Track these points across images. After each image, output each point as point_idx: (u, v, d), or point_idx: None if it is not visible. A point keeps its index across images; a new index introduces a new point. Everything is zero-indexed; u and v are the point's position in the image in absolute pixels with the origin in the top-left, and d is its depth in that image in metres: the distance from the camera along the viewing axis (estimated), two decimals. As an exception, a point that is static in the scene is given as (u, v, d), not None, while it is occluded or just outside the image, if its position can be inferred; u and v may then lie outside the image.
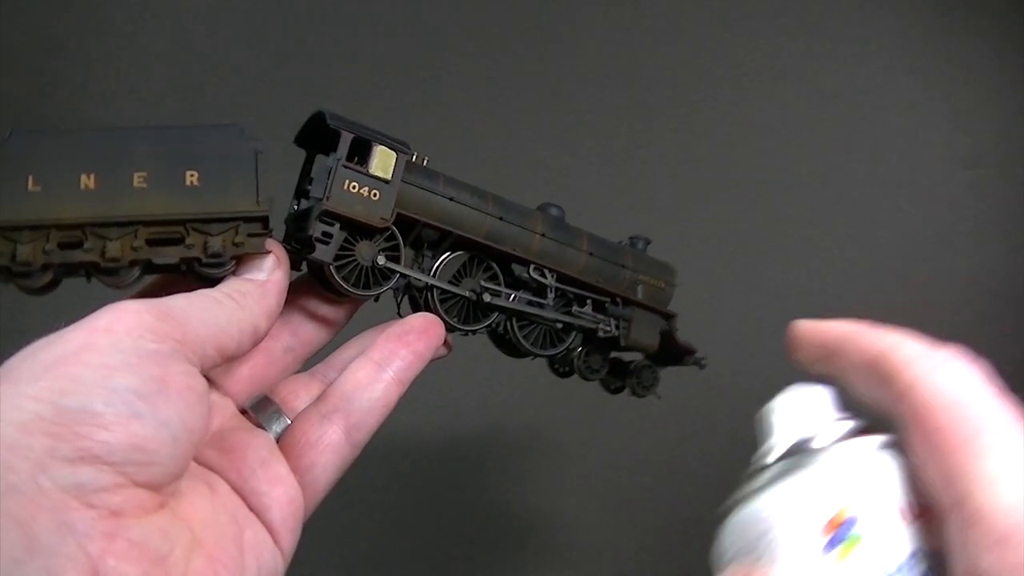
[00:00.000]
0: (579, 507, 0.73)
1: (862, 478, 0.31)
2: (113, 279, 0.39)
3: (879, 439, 0.32)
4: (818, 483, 0.31)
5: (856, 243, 0.81)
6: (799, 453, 0.33)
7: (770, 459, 0.34)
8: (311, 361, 0.46)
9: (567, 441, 0.75)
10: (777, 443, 0.34)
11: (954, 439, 0.28)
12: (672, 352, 0.52)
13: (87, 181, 0.38)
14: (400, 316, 0.46)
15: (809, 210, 0.81)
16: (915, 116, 0.84)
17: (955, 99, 0.85)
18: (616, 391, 0.53)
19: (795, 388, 0.35)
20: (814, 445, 0.33)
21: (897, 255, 0.82)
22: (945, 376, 0.30)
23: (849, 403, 0.35)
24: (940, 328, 0.79)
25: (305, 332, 0.45)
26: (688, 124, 0.82)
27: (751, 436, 0.41)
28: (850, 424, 0.33)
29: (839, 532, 0.30)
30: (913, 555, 0.29)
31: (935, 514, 0.29)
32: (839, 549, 0.30)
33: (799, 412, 0.35)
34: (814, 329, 0.37)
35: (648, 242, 0.53)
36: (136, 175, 0.39)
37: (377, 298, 0.45)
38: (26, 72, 0.83)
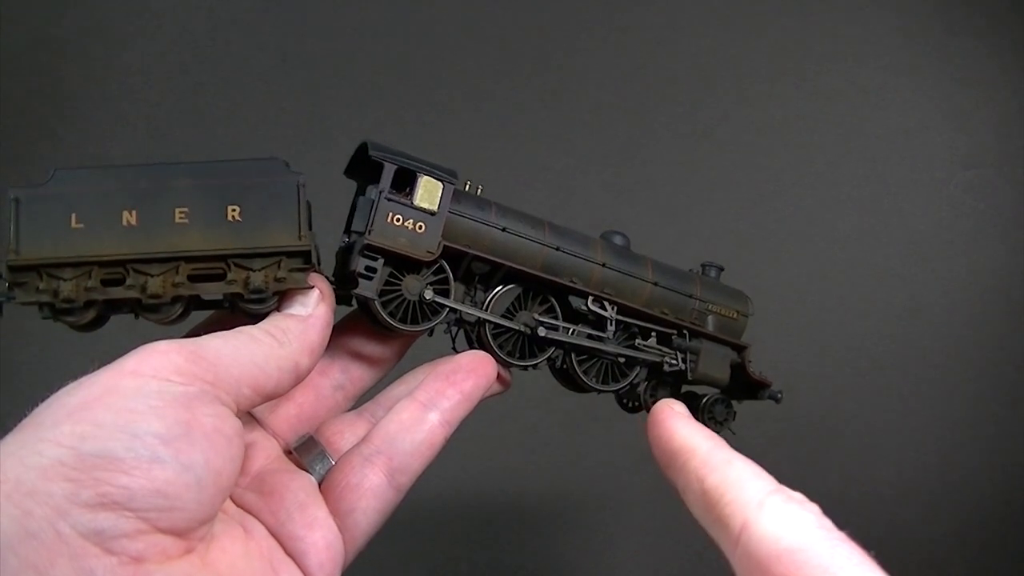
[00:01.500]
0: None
1: None
2: (157, 315, 0.39)
3: None
4: None
5: (856, 243, 0.81)
6: None
7: None
8: (365, 397, 0.46)
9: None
10: None
11: None
12: (746, 385, 0.50)
13: (129, 217, 0.38)
14: (455, 351, 0.45)
15: (809, 210, 0.82)
16: (915, 116, 0.85)
17: (955, 99, 0.86)
18: None
19: None
20: None
21: (897, 255, 0.82)
22: (780, 521, 0.30)
23: None
24: (940, 328, 0.79)
25: (356, 369, 0.45)
26: (688, 124, 0.83)
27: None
28: None
29: None
30: None
31: None
32: None
33: None
34: (662, 433, 0.37)
35: (721, 269, 0.51)
36: (178, 211, 0.39)
37: (431, 332, 0.44)
38: (26, 72, 0.85)
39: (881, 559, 0.66)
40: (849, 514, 0.64)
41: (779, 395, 0.51)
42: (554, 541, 0.72)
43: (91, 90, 0.86)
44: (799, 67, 0.85)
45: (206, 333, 0.36)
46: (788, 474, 0.65)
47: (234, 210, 0.39)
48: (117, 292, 0.38)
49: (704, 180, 0.80)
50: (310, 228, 0.40)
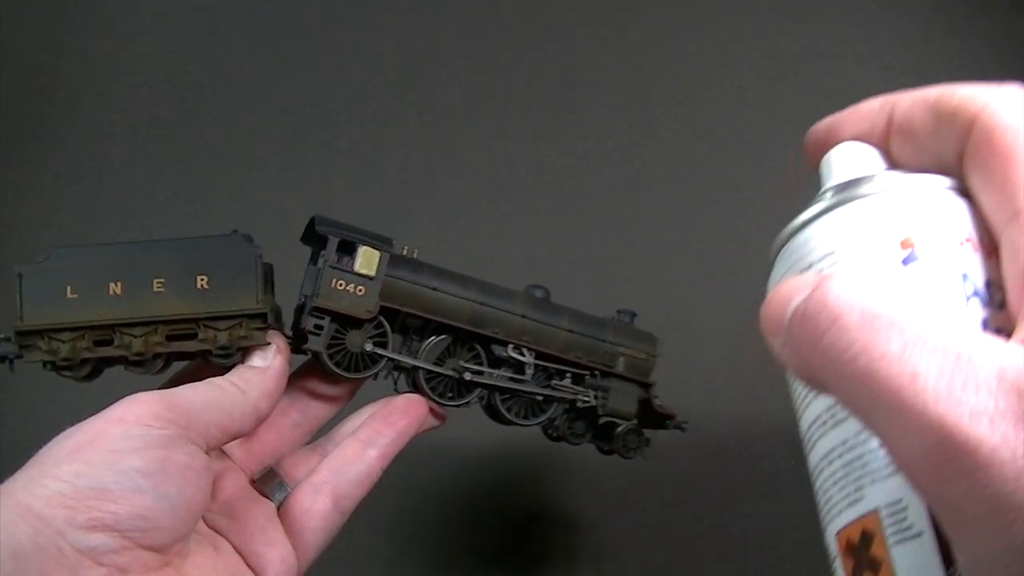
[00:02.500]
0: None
1: (929, 207, 0.32)
2: (141, 369, 0.48)
3: (943, 179, 0.32)
4: (890, 205, 0.32)
5: None
6: (861, 185, 0.33)
7: (827, 196, 0.34)
8: (322, 431, 0.54)
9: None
10: (833, 182, 0.35)
11: (1017, 158, 0.29)
12: (654, 417, 0.58)
13: (115, 288, 0.47)
14: (396, 392, 0.53)
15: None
16: None
17: None
18: (607, 453, 0.59)
19: (850, 143, 0.36)
20: (875, 179, 0.33)
21: None
22: (1011, 105, 0.30)
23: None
24: None
25: (312, 409, 0.53)
26: (687, 124, 0.84)
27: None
28: (907, 171, 0.33)
29: (912, 253, 0.31)
30: (978, 284, 0.30)
31: (995, 248, 0.30)
32: (914, 266, 0.31)
33: (857, 158, 0.36)
34: (847, 115, 0.38)
35: (634, 315, 0.59)
36: (155, 281, 0.47)
37: (375, 377, 0.52)
38: (26, 72, 0.87)
39: None
40: None
41: (685, 425, 0.59)
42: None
43: (91, 90, 0.87)
44: (799, 67, 0.85)
45: (184, 381, 0.45)
46: (789, 474, 0.69)
47: (203, 279, 0.47)
48: (106, 351, 0.47)
49: (704, 180, 0.82)
50: (268, 292, 0.49)
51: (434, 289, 0.52)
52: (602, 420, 0.57)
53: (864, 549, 0.30)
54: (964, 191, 0.32)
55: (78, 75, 0.88)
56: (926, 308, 0.27)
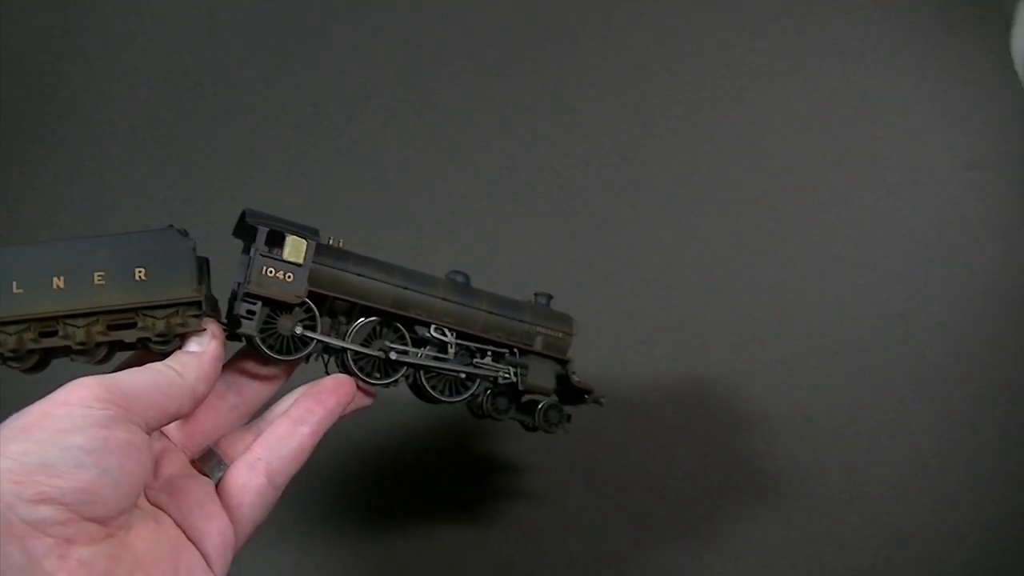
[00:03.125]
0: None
1: None
2: (86, 358, 0.52)
3: None
4: None
5: (856, 243, 0.83)
6: None
7: None
8: (261, 411, 0.58)
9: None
10: None
11: None
12: (572, 392, 0.63)
13: (58, 282, 0.50)
14: (327, 373, 0.57)
15: (809, 210, 0.83)
16: (915, 116, 0.86)
17: (955, 99, 0.87)
18: (531, 429, 0.63)
19: None
20: None
21: (897, 255, 0.84)
22: None
23: None
24: (940, 328, 0.81)
25: (248, 392, 0.57)
26: (687, 124, 0.85)
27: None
28: None
29: None
30: None
31: None
32: None
33: None
34: None
35: (550, 297, 0.64)
36: (96, 274, 0.51)
37: (307, 360, 0.57)
38: (26, 72, 0.89)
39: (882, 559, 0.71)
40: (849, 514, 0.73)
41: (602, 399, 0.63)
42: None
43: (91, 90, 0.88)
44: (799, 67, 0.87)
45: (128, 368, 0.49)
46: (789, 474, 0.73)
47: (141, 271, 0.51)
48: (51, 342, 0.50)
49: (703, 180, 0.83)
50: (203, 283, 0.53)
51: (359, 275, 0.56)
52: (525, 398, 0.62)
53: None
54: None
55: (78, 75, 0.89)
56: None
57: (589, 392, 0.63)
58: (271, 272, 0.53)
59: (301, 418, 0.54)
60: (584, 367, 0.69)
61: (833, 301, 0.80)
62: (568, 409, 0.63)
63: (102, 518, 0.42)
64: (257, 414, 0.58)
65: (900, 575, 0.70)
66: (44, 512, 0.40)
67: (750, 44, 0.88)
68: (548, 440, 0.65)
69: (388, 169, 0.85)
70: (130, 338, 0.51)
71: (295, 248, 0.54)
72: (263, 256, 0.53)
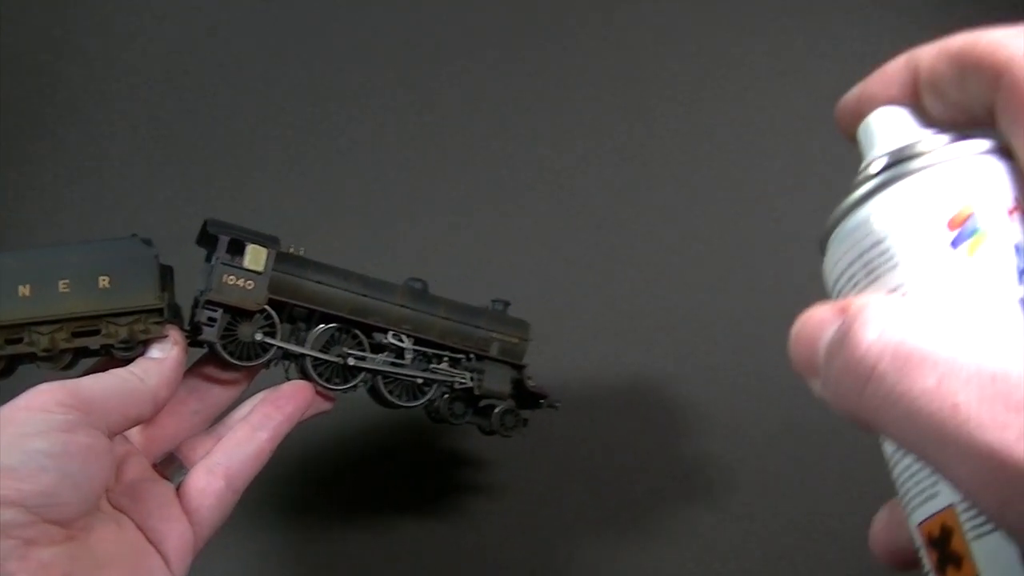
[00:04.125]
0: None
1: (977, 176, 0.31)
2: (51, 364, 0.54)
3: (984, 142, 0.32)
4: (935, 181, 0.32)
5: None
6: (906, 159, 0.33)
7: (873, 168, 0.34)
8: (222, 417, 0.60)
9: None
10: (879, 152, 0.35)
11: None
12: (527, 397, 0.65)
13: (24, 290, 0.52)
14: (288, 379, 0.60)
15: (809, 210, 0.79)
16: None
17: None
18: (488, 433, 0.65)
19: (884, 108, 0.36)
20: (920, 150, 0.33)
21: None
22: None
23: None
24: None
25: (210, 398, 0.59)
26: (687, 124, 0.86)
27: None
28: (948, 135, 0.33)
29: (964, 228, 0.31)
30: None
31: None
32: (967, 244, 0.30)
33: (896, 124, 0.35)
34: (874, 80, 0.38)
35: (507, 304, 0.66)
36: (61, 282, 0.53)
37: (268, 366, 0.59)
38: (26, 72, 0.90)
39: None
40: (849, 514, 0.72)
41: (557, 403, 0.66)
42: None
43: (91, 90, 0.89)
44: (799, 67, 0.87)
45: (92, 374, 0.51)
46: (788, 474, 0.74)
47: (105, 279, 0.53)
48: (17, 348, 0.52)
49: (703, 180, 0.84)
50: (166, 290, 0.55)
51: (318, 282, 0.59)
52: (482, 403, 0.64)
53: (945, 544, 0.31)
54: (1004, 149, 0.32)
55: (78, 75, 0.90)
56: (969, 310, 0.27)
57: (544, 396, 0.66)
58: (232, 280, 0.56)
59: (260, 423, 0.57)
60: (581, 367, 0.73)
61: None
62: (525, 413, 0.65)
63: (63, 520, 0.44)
64: (219, 419, 0.60)
65: (900, 575, 0.71)
66: (6, 514, 0.42)
67: (750, 44, 0.89)
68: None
69: (389, 169, 0.86)
70: (94, 345, 0.54)
71: (255, 256, 0.56)
72: (224, 264, 0.55)
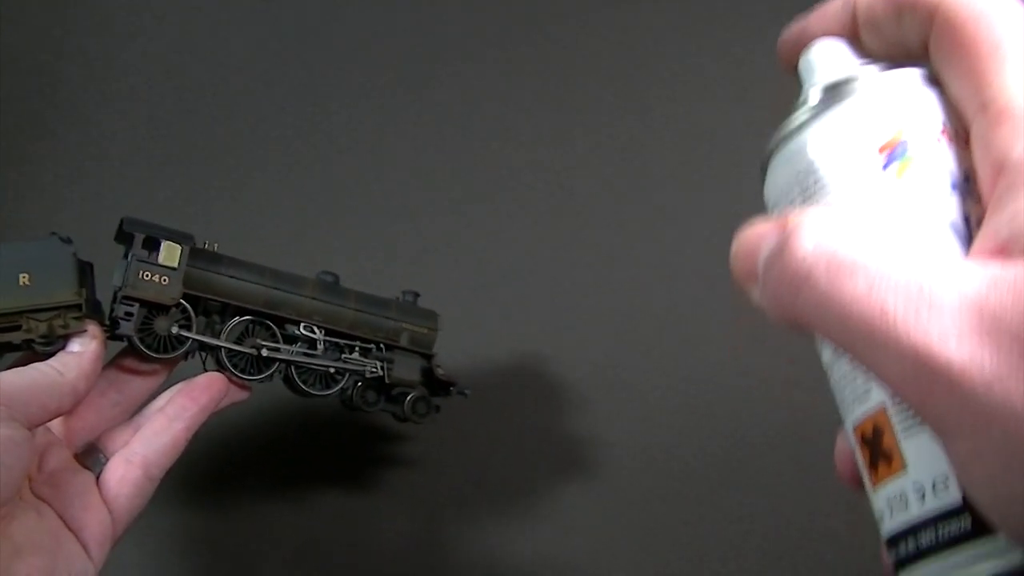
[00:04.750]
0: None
1: (908, 103, 0.33)
2: None
3: (915, 71, 0.34)
4: (868, 108, 0.33)
5: None
6: (840, 88, 0.34)
7: (810, 97, 0.35)
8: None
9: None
10: (816, 83, 0.36)
11: (980, 49, 0.31)
12: (437, 384, 0.69)
13: None
14: (205, 370, 0.63)
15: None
16: None
17: None
18: (402, 420, 0.69)
19: (823, 41, 0.37)
20: (853, 79, 0.34)
21: None
22: None
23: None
24: None
25: (129, 389, 0.62)
26: (687, 123, 0.87)
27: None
28: (880, 65, 0.35)
29: (894, 152, 0.33)
30: (956, 175, 0.32)
31: (966, 136, 0.32)
32: (896, 166, 0.32)
33: (833, 56, 0.37)
34: (815, 16, 0.39)
35: (417, 295, 0.70)
36: None
37: (185, 358, 0.62)
38: (26, 72, 0.90)
39: (882, 559, 0.74)
40: (849, 514, 0.73)
41: (466, 391, 0.70)
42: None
43: (91, 90, 0.90)
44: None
45: (13, 368, 0.54)
46: (788, 474, 0.75)
47: (25, 277, 0.56)
48: None
49: (703, 180, 0.85)
50: (85, 287, 0.57)
51: (231, 277, 0.62)
52: (394, 391, 0.68)
53: (877, 442, 0.33)
54: (934, 79, 0.34)
55: (78, 75, 0.91)
56: (898, 227, 0.31)
57: (453, 384, 0.69)
58: (147, 276, 0.59)
59: (175, 414, 0.60)
60: (582, 362, 0.75)
61: None
62: (437, 400, 0.69)
63: None
64: (138, 410, 0.63)
65: None
66: None
67: (750, 44, 0.90)
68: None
69: (389, 169, 0.88)
70: (15, 340, 0.56)
71: (169, 253, 0.59)
72: (139, 261, 0.58)
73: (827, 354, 0.37)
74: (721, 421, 0.78)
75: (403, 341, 0.68)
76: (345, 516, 0.75)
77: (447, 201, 0.87)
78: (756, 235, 0.32)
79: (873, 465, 0.34)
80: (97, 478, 0.57)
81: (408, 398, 0.68)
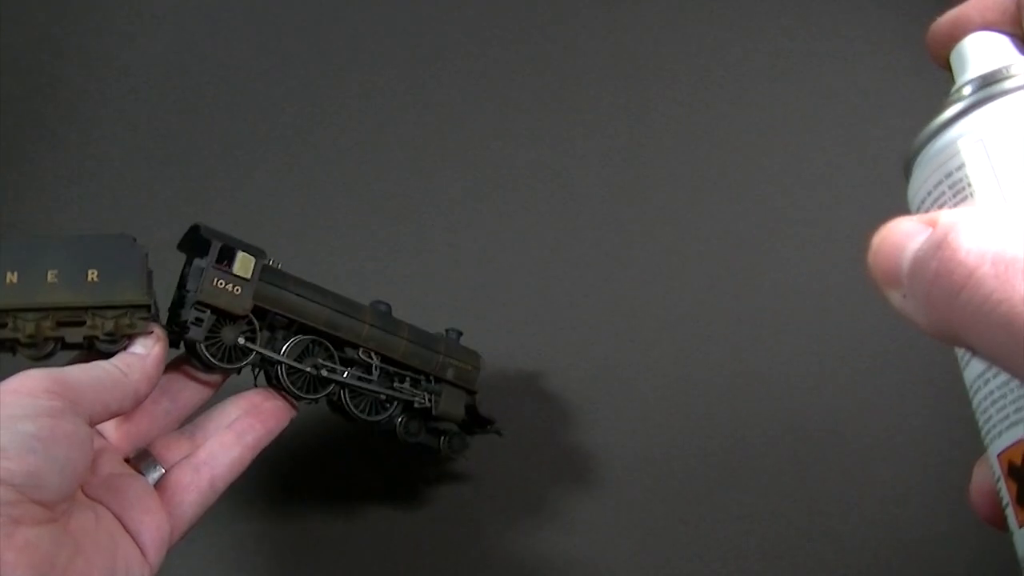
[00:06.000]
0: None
1: None
2: (32, 352, 0.55)
3: None
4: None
5: (856, 244, 0.80)
6: (998, 81, 0.33)
7: (964, 91, 0.34)
8: (190, 419, 0.62)
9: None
10: (970, 76, 0.34)
11: None
12: (476, 421, 0.70)
13: (11, 277, 0.54)
14: (256, 384, 0.64)
15: (808, 210, 0.85)
16: (915, 116, 0.86)
17: None
18: (434, 454, 0.70)
19: (979, 33, 0.36)
20: (1013, 73, 0.33)
21: None
22: None
23: None
24: None
25: (183, 397, 0.62)
26: (686, 123, 0.88)
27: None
28: None
29: None
30: None
31: None
32: None
33: (990, 47, 0.35)
34: (973, 3, 0.37)
35: (460, 333, 0.71)
36: (50, 273, 0.55)
37: (240, 371, 0.62)
38: (26, 72, 0.90)
39: (882, 559, 0.72)
40: (849, 514, 0.74)
41: (501, 431, 0.71)
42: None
43: (91, 90, 0.89)
44: (799, 67, 0.88)
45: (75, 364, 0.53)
46: (788, 474, 0.76)
47: (93, 273, 0.55)
48: (2, 333, 0.54)
49: (704, 180, 0.85)
50: (151, 287, 0.57)
51: (298, 295, 0.62)
52: (439, 424, 0.69)
53: None
54: None
55: (78, 75, 0.90)
56: None
57: (492, 422, 0.71)
58: (221, 284, 0.58)
59: (243, 431, 0.60)
60: (582, 362, 0.76)
61: (833, 301, 0.81)
62: (468, 439, 0.71)
63: (47, 502, 0.46)
64: (187, 421, 0.62)
65: (900, 575, 0.73)
66: None
67: (750, 44, 0.91)
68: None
69: (389, 169, 0.88)
70: (78, 336, 0.55)
71: (244, 264, 0.59)
72: (215, 268, 0.58)
73: (974, 369, 0.34)
74: (721, 421, 0.79)
75: (449, 375, 0.68)
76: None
77: (446, 201, 0.88)
78: (901, 232, 0.30)
79: (1021, 501, 0.31)
80: (156, 484, 0.57)
81: (444, 435, 0.69)
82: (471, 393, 0.70)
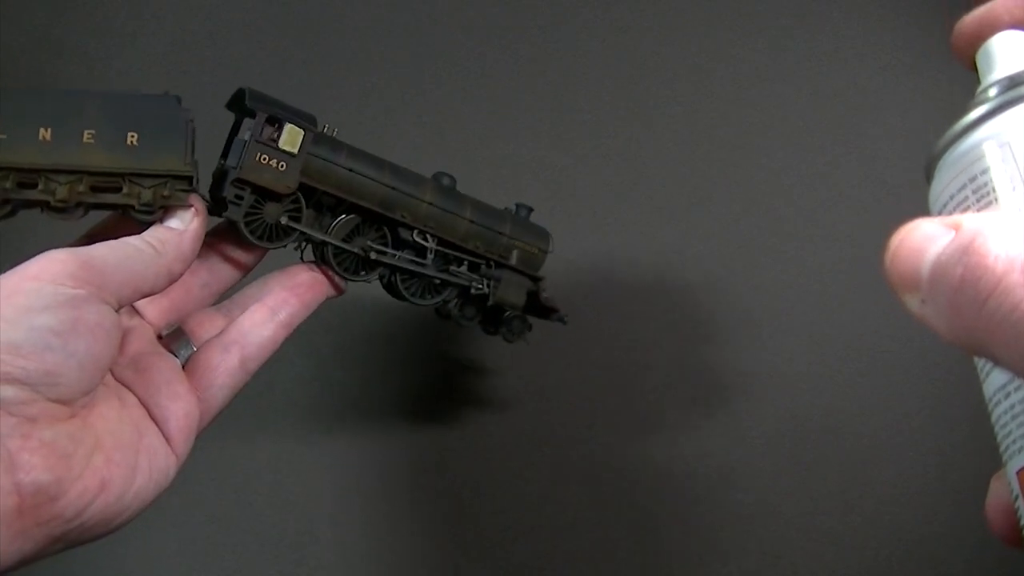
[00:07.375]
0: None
1: None
2: (61, 215, 0.52)
3: None
4: None
5: (856, 243, 0.83)
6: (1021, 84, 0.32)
7: (989, 92, 0.33)
8: (227, 294, 0.60)
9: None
10: (996, 76, 0.34)
11: None
12: (540, 308, 0.66)
13: (45, 134, 0.50)
14: (302, 260, 0.60)
15: (808, 211, 0.84)
16: (915, 116, 0.86)
17: (955, 99, 0.85)
18: (492, 334, 0.66)
19: (1007, 32, 0.35)
20: None
21: None
22: None
23: None
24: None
25: (220, 271, 0.59)
26: (686, 124, 0.86)
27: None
28: None
29: None
30: None
31: None
32: None
33: (1020, 49, 0.34)
34: (1000, 1, 0.36)
35: (530, 210, 0.66)
36: (86, 132, 0.51)
37: (285, 248, 0.59)
38: (26, 72, 0.89)
39: (882, 559, 0.72)
40: (849, 514, 0.75)
41: (565, 318, 0.67)
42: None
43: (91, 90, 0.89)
44: (799, 67, 0.87)
45: (99, 236, 0.50)
46: (788, 474, 0.76)
47: (133, 136, 0.51)
48: (31, 194, 0.50)
49: (704, 180, 0.84)
50: (193, 156, 0.53)
51: (350, 170, 0.58)
52: (494, 310, 0.65)
53: None
54: None
55: (78, 75, 0.89)
56: None
57: (556, 311, 0.66)
58: (265, 159, 0.54)
59: (277, 307, 0.57)
60: (582, 362, 0.76)
61: (832, 301, 0.81)
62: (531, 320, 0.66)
63: (66, 399, 0.44)
64: (223, 297, 0.60)
65: (900, 575, 0.74)
66: (7, 392, 0.42)
67: (750, 44, 0.89)
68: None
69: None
70: (114, 203, 0.52)
71: (291, 137, 0.55)
72: (258, 142, 0.54)
73: (995, 381, 0.33)
74: (721, 421, 0.78)
75: (513, 260, 0.64)
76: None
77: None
78: (922, 235, 0.29)
79: None
80: (184, 365, 0.55)
81: (505, 314, 0.65)
82: (536, 279, 0.66)
